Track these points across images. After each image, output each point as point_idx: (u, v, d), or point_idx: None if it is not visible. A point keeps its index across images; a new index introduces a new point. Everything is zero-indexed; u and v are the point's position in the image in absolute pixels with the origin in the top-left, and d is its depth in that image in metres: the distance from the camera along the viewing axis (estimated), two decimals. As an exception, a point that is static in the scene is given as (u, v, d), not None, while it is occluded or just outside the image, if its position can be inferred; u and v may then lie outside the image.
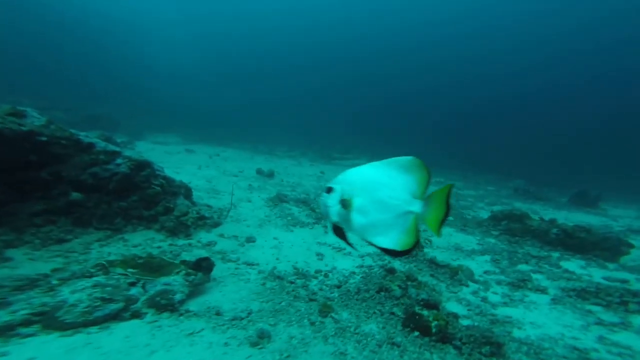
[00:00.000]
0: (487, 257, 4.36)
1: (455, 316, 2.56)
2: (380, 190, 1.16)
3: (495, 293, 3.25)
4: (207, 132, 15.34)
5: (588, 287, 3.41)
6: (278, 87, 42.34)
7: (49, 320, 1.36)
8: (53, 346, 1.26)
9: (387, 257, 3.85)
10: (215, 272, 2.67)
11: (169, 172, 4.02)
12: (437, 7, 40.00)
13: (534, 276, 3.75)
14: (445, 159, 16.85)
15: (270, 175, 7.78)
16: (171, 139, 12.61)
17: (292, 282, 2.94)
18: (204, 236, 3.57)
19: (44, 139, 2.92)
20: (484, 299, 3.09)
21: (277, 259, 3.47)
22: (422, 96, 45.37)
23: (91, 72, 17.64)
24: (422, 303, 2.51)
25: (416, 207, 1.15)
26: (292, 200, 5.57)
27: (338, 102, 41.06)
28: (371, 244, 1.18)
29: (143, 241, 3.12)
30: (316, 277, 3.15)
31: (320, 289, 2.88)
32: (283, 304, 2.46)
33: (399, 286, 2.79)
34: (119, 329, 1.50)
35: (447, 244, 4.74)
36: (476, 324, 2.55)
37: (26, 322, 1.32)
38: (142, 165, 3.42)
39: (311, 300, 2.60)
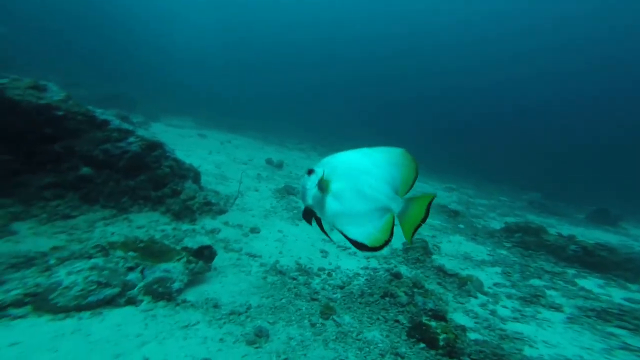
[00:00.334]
0: (498, 269, 4.17)
1: (463, 329, 2.42)
2: (362, 178, 1.08)
3: (505, 307, 3.10)
4: (221, 119, 15.37)
5: (609, 308, 3.19)
6: (295, 80, 42.12)
7: (41, 302, 1.30)
8: (41, 331, 1.20)
9: (393, 261, 3.72)
10: (216, 262, 2.60)
11: (180, 155, 3.97)
12: (458, 10, 38.45)
13: (548, 292, 3.56)
14: (460, 167, 16.38)
15: (280, 166, 7.69)
16: (185, 122, 12.69)
17: (294, 279, 2.85)
18: (208, 223, 3.52)
19: (61, 113, 2.91)
20: (493, 312, 2.94)
21: (281, 252, 3.39)
22: (438, 99, 44.30)
23: (115, 52, 17.91)
24: (430, 313, 2.37)
25: (396, 205, 1.08)
26: (299, 193, 5.46)
27: (354, 99, 40.51)
28: (341, 233, 1.10)
29: (147, 223, 3.08)
30: (319, 275, 3.06)
31: (323, 288, 2.78)
32: (284, 301, 2.37)
33: (405, 293, 2.66)
34: (111, 315, 1.44)
35: (456, 252, 4.56)
36: (485, 338, 2.40)
37: (18, 303, 1.27)
38: (154, 146, 3.37)
39: (313, 299, 2.51)
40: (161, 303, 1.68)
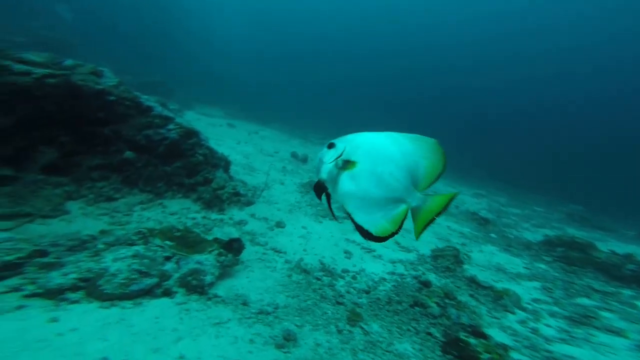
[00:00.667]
0: (537, 284, 3.87)
1: (505, 348, 2.23)
2: (384, 164, 1.01)
3: (549, 326, 2.85)
4: (249, 109, 15.63)
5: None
6: (320, 75, 41.67)
7: (92, 288, 1.35)
8: (92, 318, 1.26)
9: (421, 268, 3.56)
10: (243, 255, 2.61)
11: (211, 144, 4.05)
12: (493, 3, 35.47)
13: (602, 313, 3.23)
14: (490, 172, 15.37)
15: (304, 160, 7.66)
16: (216, 112, 13.05)
17: (318, 279, 2.81)
18: (236, 213, 3.56)
19: (113, 98, 3.04)
20: (535, 331, 2.72)
21: (305, 250, 3.36)
22: (465, 97, 41.73)
23: (159, 41, 18.67)
24: (469, 329, 2.21)
25: (413, 199, 1.00)
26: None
27: (379, 95, 39.39)
28: (348, 215, 1.04)
29: (179, 210, 3.17)
30: (343, 277, 2.99)
31: (348, 292, 2.71)
32: (309, 302, 2.33)
33: (437, 304, 2.52)
34: (150, 307, 1.48)
35: (488, 262, 4.28)
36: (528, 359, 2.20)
37: (74, 287, 1.33)
38: (190, 134, 3.44)
39: (338, 303, 2.44)
40: (194, 297, 1.70)
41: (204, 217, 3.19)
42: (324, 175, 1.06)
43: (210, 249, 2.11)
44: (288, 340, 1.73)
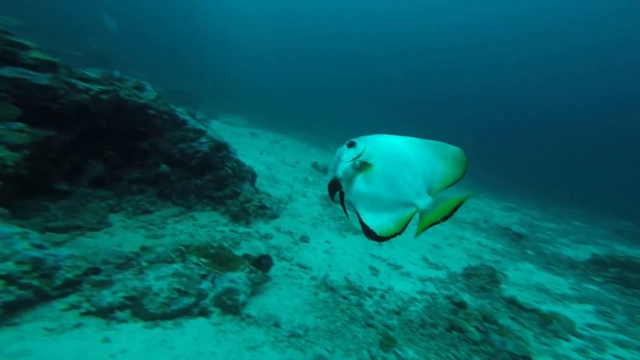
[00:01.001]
0: (589, 307, 3.53)
1: None
2: (400, 169, 1.02)
3: (618, 357, 2.54)
4: (269, 117, 16.03)
5: None
6: (338, 78, 41.99)
7: (137, 307, 1.41)
8: (139, 339, 1.31)
9: (453, 287, 3.38)
10: (271, 270, 2.63)
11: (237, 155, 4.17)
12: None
13: None
14: (519, 183, 14.50)
15: (325, 171, 7.68)
16: (238, 120, 13.53)
17: (345, 298, 2.75)
18: (262, 227, 3.61)
19: (152, 112, 3.22)
20: None
21: (329, 266, 3.32)
22: (490, 98, 39.92)
23: (187, 51, 19.78)
24: (519, 359, 2.03)
25: (422, 203, 1.01)
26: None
27: (396, 99, 38.88)
28: (356, 213, 1.06)
29: (209, 223, 3.27)
30: (371, 296, 2.91)
31: (377, 312, 2.63)
32: (338, 324, 2.28)
33: (477, 328, 2.36)
34: (189, 327, 1.52)
35: (526, 282, 3.97)
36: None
37: (122, 306, 1.40)
38: (220, 147, 3.57)
39: (368, 325, 2.37)
40: (229, 317, 1.72)
41: (231, 231, 3.27)
42: (339, 173, 1.08)
43: (242, 267, 2.14)
44: (321, 367, 1.69)
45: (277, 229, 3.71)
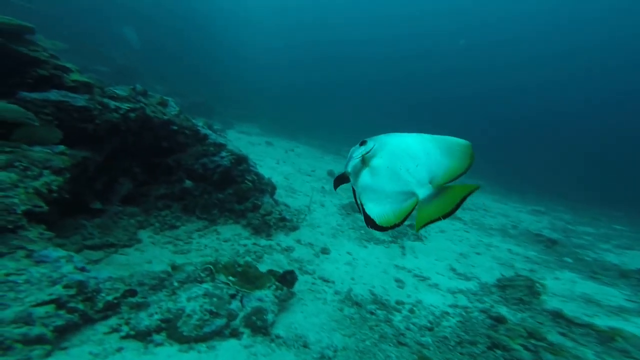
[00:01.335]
0: None
1: None
2: (404, 161, 1.06)
3: None
4: (282, 124, 16.26)
5: None
6: (352, 91, 42.10)
7: (172, 330, 1.43)
8: None
9: (487, 300, 3.20)
10: (295, 286, 2.61)
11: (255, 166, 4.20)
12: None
13: None
14: (551, 184, 13.71)
15: (341, 178, 7.63)
16: (253, 129, 13.82)
17: (372, 313, 2.67)
18: (283, 239, 3.62)
19: (175, 127, 3.34)
20: None
21: (352, 278, 3.25)
22: (508, 98, 38.35)
23: (203, 61, 20.57)
24: None
25: (422, 192, 1.02)
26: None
27: (411, 100, 38.31)
28: (360, 204, 1.11)
29: (232, 236, 3.31)
30: (399, 311, 2.81)
31: (408, 329, 2.52)
32: (368, 343, 2.21)
33: (523, 346, 2.18)
34: (222, 351, 1.53)
35: (569, 292, 3.67)
36: None
37: (158, 329, 1.42)
38: (241, 160, 3.63)
39: (400, 344, 2.28)
40: (259, 338, 1.72)
41: (254, 244, 3.29)
42: (349, 168, 1.15)
43: (268, 284, 2.13)
44: (354, 393, 1.63)
45: (298, 241, 3.70)
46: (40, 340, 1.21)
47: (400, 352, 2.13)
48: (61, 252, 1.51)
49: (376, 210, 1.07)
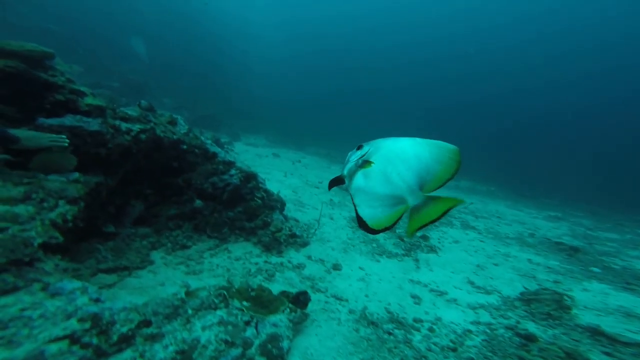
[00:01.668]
0: None
1: None
2: (396, 165, 1.10)
3: None
4: (288, 134, 16.42)
5: None
6: (352, 93, 42.48)
7: (187, 365, 1.39)
8: None
9: (512, 315, 3.02)
10: (308, 306, 2.53)
11: (263, 178, 4.18)
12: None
13: None
14: (566, 188, 13.29)
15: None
16: (259, 140, 13.99)
17: (389, 333, 2.56)
18: (293, 256, 3.56)
19: (185, 147, 3.38)
20: None
21: (366, 295, 3.15)
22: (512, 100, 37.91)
23: (209, 75, 21.16)
24: None
25: (413, 199, 1.08)
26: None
27: (417, 107, 38.34)
28: (354, 205, 1.17)
29: (243, 255, 3.28)
30: (418, 330, 2.68)
31: (429, 349, 2.39)
32: (387, 370, 2.10)
33: None
34: None
35: (603, 305, 3.41)
36: None
37: None
38: (249, 178, 3.63)
39: (423, 370, 2.16)
40: (276, 368, 1.65)
41: (265, 262, 3.25)
42: (345, 171, 1.21)
43: (282, 308, 2.07)
44: None
45: (309, 257, 3.64)
46: (53, 379, 1.18)
47: (425, 379, 2.02)
48: (76, 284, 1.50)
49: (369, 212, 1.12)
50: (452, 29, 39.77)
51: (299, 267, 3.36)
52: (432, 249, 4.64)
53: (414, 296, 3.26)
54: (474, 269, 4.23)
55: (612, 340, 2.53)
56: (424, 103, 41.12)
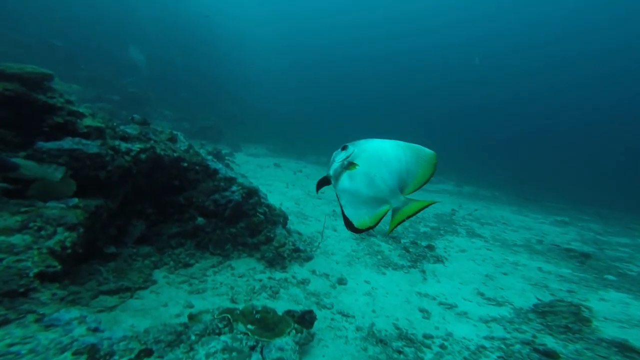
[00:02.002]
0: None
1: None
2: (379, 168, 1.17)
3: None
4: (289, 143, 16.44)
5: None
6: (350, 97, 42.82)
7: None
8: None
9: (527, 328, 2.90)
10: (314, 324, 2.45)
11: (263, 189, 4.14)
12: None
13: None
14: (572, 190, 13.13)
15: (352, 197, 7.52)
16: (260, 150, 14.03)
17: (399, 352, 2.46)
18: (298, 271, 3.48)
19: (185, 164, 3.36)
20: None
21: (373, 311, 3.05)
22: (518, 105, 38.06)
23: (210, 86, 21.40)
24: None
25: (395, 201, 1.17)
26: (379, 234, 5.09)
27: (420, 114, 38.56)
28: (340, 206, 1.23)
29: (246, 271, 3.21)
30: (429, 347, 2.58)
31: (443, 370, 2.29)
32: (399, 394, 2.00)
33: None
34: None
35: (623, 316, 3.25)
36: None
37: None
38: (251, 193, 3.59)
39: (435, 392, 2.06)
40: (283, 398, 1.57)
41: (269, 278, 3.17)
42: (331, 171, 1.26)
43: (288, 330, 2.00)
44: None
45: (313, 271, 3.56)
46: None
47: (438, 403, 1.91)
48: (74, 313, 1.45)
49: (354, 213, 1.18)
50: (455, 36, 40.37)
51: (304, 282, 3.28)
52: (439, 259, 4.54)
53: (422, 310, 3.16)
54: (483, 279, 4.12)
55: (641, 355, 2.39)
56: (425, 110, 41.36)
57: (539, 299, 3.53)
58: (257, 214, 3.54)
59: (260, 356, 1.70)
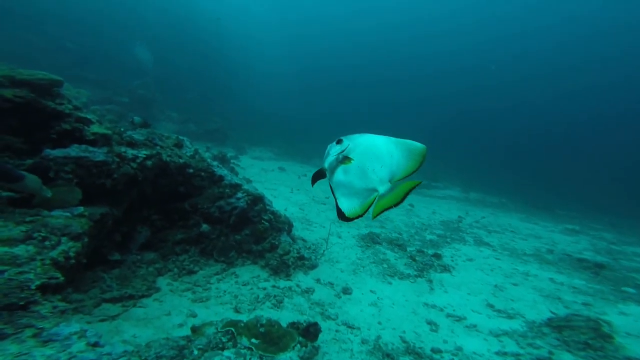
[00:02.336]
0: None
1: None
2: (371, 161, 1.23)
3: None
4: (294, 146, 16.44)
5: None
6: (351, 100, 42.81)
7: None
8: None
9: (541, 343, 2.77)
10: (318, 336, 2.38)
11: (267, 194, 4.10)
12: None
13: None
14: (582, 196, 12.81)
15: (356, 202, 7.44)
16: (265, 153, 14.06)
17: (407, 369, 2.38)
18: (302, 279, 3.42)
19: (191, 170, 3.34)
20: None
21: (379, 322, 2.97)
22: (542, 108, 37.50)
23: (216, 88, 21.61)
24: None
25: (382, 188, 1.22)
26: (385, 242, 5.00)
27: (428, 125, 38.28)
28: (334, 197, 1.27)
29: (250, 279, 3.16)
30: (437, 363, 2.49)
31: (453, 389, 2.20)
32: (408, 414, 1.92)
33: None
34: None
35: None
36: None
37: None
38: (256, 200, 3.56)
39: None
40: (287, 419, 1.51)
41: (273, 286, 3.12)
42: (326, 165, 1.30)
43: (292, 344, 1.94)
44: None
45: (317, 280, 3.49)
46: None
47: None
48: (74, 327, 1.42)
49: (346, 204, 1.24)
50: (462, 42, 40.20)
51: (308, 291, 3.21)
52: (446, 268, 4.44)
53: (430, 322, 3.06)
54: (492, 290, 3.99)
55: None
56: (431, 115, 41.06)
57: (553, 313, 3.40)
58: (262, 221, 3.50)
59: (264, 373, 1.65)
